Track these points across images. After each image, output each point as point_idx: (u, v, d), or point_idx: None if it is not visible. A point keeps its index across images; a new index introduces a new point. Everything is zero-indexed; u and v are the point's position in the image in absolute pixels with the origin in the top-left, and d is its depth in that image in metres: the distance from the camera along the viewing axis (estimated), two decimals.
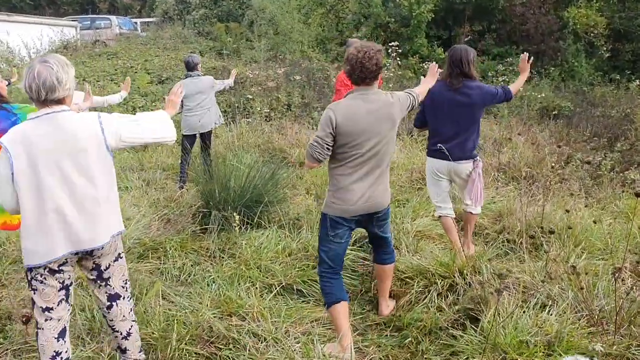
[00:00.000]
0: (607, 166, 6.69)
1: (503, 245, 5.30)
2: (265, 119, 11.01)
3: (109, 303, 3.06)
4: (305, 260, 4.72)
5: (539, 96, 12.56)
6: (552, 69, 16.66)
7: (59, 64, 2.77)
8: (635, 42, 18.18)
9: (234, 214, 5.11)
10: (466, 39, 18.87)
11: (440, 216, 5.05)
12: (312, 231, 5.13)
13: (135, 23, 27.52)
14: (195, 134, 7.55)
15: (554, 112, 12.63)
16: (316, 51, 18.87)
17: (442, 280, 4.29)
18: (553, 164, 7.01)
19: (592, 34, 17.71)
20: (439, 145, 4.73)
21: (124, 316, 3.09)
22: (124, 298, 3.09)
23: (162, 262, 4.81)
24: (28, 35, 17.27)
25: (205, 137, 7.62)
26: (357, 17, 19.31)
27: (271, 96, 12.10)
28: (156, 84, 13.34)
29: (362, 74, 3.47)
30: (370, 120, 3.46)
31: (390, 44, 13.87)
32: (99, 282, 3.03)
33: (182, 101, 7.16)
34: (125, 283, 3.11)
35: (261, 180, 5.62)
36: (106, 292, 3.05)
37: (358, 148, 3.46)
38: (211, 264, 4.78)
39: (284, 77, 12.87)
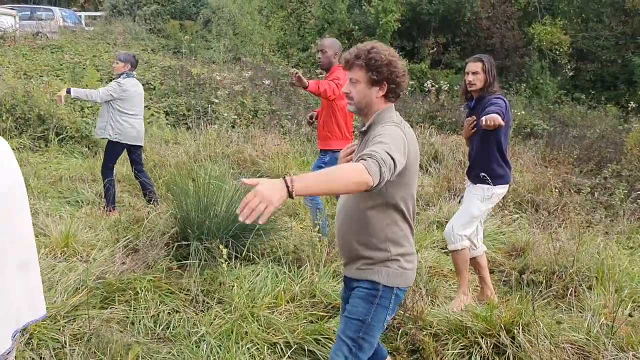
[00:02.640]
0: (621, 195, 6.15)
1: (528, 287, 4.62)
2: (231, 126, 10.04)
3: None
4: (312, 309, 3.85)
5: (518, 114, 12.14)
6: (523, 85, 16.44)
7: None
8: (596, 63, 18.26)
9: (220, 245, 4.18)
10: (431, 51, 18.48)
11: (461, 249, 4.26)
12: (317, 269, 4.25)
13: (79, 16, 25.77)
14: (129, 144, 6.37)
15: (526, 130, 12.24)
16: (277, 55, 18.01)
17: (484, 338, 3.53)
18: (559, 190, 6.42)
19: (556, 52, 17.64)
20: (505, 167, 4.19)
21: None
22: None
23: (131, 307, 3.82)
24: None
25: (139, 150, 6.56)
26: (320, 23, 18.58)
27: (236, 101, 11.13)
28: (106, 82, 12.11)
29: (404, 88, 2.61)
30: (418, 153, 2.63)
31: None
32: None
33: (118, 104, 6.09)
34: None
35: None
36: None
37: (414, 188, 2.63)
38: (194, 311, 3.83)
39: (249, 81, 11.93)
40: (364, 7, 18.01)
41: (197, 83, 12.22)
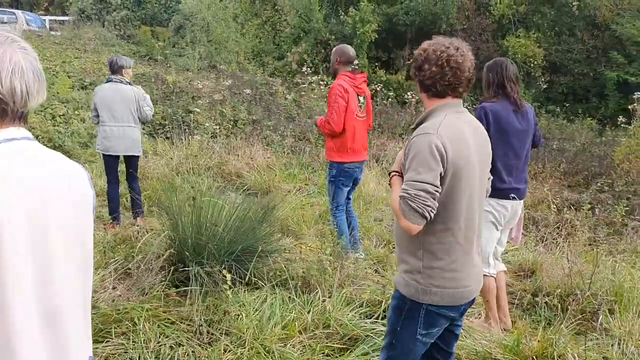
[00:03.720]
0: (622, 212, 6.05)
1: (542, 310, 4.43)
2: (211, 136, 9.68)
3: None
4: (327, 341, 3.56)
5: None
6: None
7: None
8: (568, 76, 18.49)
9: (223, 270, 3.86)
10: (407, 62, 18.43)
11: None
12: (328, 294, 3.96)
13: (44, 20, 24.93)
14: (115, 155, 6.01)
15: None
16: (252, 63, 17.69)
17: None
18: (558, 207, 6.29)
19: (530, 65, 17.79)
20: (508, 179, 3.91)
21: None
22: None
23: (129, 340, 3.45)
24: None
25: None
26: (296, 32, 18.34)
27: (215, 110, 10.77)
28: (78, 90, 11.59)
29: (457, 79, 2.34)
30: (478, 151, 2.40)
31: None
32: None
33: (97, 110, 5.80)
34: None
35: (250, 222, 4.39)
36: None
37: (461, 194, 2.38)
38: (199, 344, 3.49)
39: (228, 90, 11.59)
40: (341, 16, 17.85)
41: (173, 91, 11.81)
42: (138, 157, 6.11)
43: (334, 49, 5.32)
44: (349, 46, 5.43)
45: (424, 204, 2.18)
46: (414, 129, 2.43)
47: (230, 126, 10.63)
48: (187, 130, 9.66)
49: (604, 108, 16.61)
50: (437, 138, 2.23)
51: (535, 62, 17.82)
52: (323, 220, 6.48)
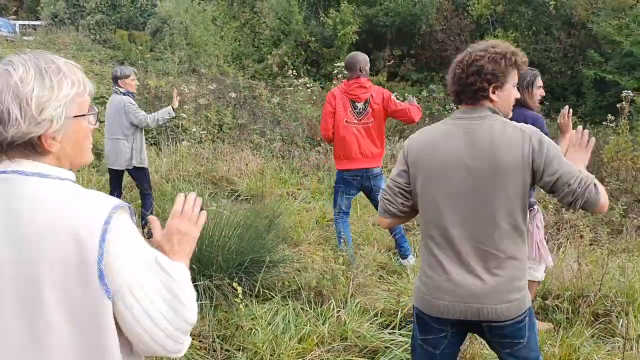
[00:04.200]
0: (620, 211, 6.05)
1: (554, 314, 4.38)
2: (197, 142, 9.50)
3: None
4: (345, 353, 3.45)
5: None
6: None
7: (34, 66, 1.37)
8: (546, 75, 18.65)
9: (234, 283, 3.73)
10: (388, 63, 18.42)
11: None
12: (342, 304, 3.85)
13: (14, 25, 24.33)
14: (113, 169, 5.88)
15: None
16: (232, 67, 17.48)
17: None
18: (556, 208, 6.28)
19: None
20: None
21: None
22: None
23: None
24: None
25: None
26: (276, 34, 18.17)
27: (200, 115, 10.58)
28: None
29: (457, 86, 2.33)
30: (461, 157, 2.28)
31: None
32: None
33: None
34: None
35: (255, 231, 4.26)
36: None
37: (429, 212, 2.54)
38: None
39: (212, 94, 11.41)
40: (321, 18, 17.75)
41: (155, 96, 11.58)
42: (142, 169, 5.87)
43: (359, 59, 5.16)
44: (354, 53, 5.37)
45: (384, 198, 2.43)
46: None
47: (216, 131, 10.45)
48: (173, 135, 9.47)
49: (583, 106, 16.79)
50: (408, 141, 2.42)
51: None
52: (320, 226, 6.38)
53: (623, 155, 8.37)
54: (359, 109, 5.01)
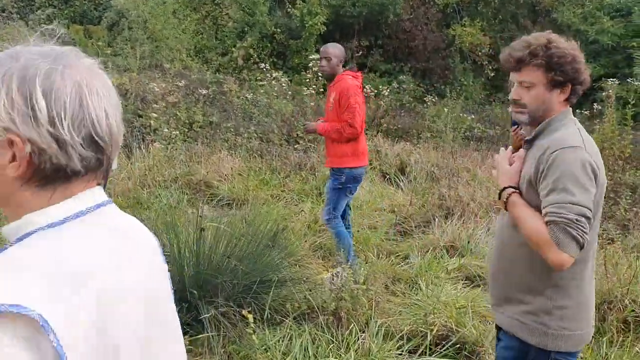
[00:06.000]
0: (625, 205, 5.86)
1: None
2: (168, 143, 8.93)
3: None
4: None
5: (469, 118, 11.92)
6: (448, 87, 16.38)
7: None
8: None
9: (244, 310, 3.30)
10: (357, 54, 18.05)
11: None
12: (364, 327, 3.47)
13: None
14: None
15: (466, 134, 12.02)
16: (195, 60, 16.83)
17: None
18: None
19: (478, 53, 17.80)
20: None
21: None
22: None
23: None
24: None
25: None
26: (239, 26, 17.56)
27: (169, 114, 10.00)
28: None
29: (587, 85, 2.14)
30: None
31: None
32: None
33: None
34: None
35: (258, 247, 3.83)
36: None
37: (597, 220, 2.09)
38: None
39: (181, 91, 10.81)
40: (287, 9, 17.23)
41: (119, 94, 10.91)
42: None
43: (330, 49, 4.79)
44: (335, 44, 5.14)
45: (583, 232, 1.86)
46: (534, 138, 2.09)
47: (186, 130, 9.89)
48: (140, 136, 8.89)
49: None
50: (587, 154, 1.94)
51: (482, 51, 17.84)
52: (313, 232, 5.98)
53: (609, 146, 8.24)
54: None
